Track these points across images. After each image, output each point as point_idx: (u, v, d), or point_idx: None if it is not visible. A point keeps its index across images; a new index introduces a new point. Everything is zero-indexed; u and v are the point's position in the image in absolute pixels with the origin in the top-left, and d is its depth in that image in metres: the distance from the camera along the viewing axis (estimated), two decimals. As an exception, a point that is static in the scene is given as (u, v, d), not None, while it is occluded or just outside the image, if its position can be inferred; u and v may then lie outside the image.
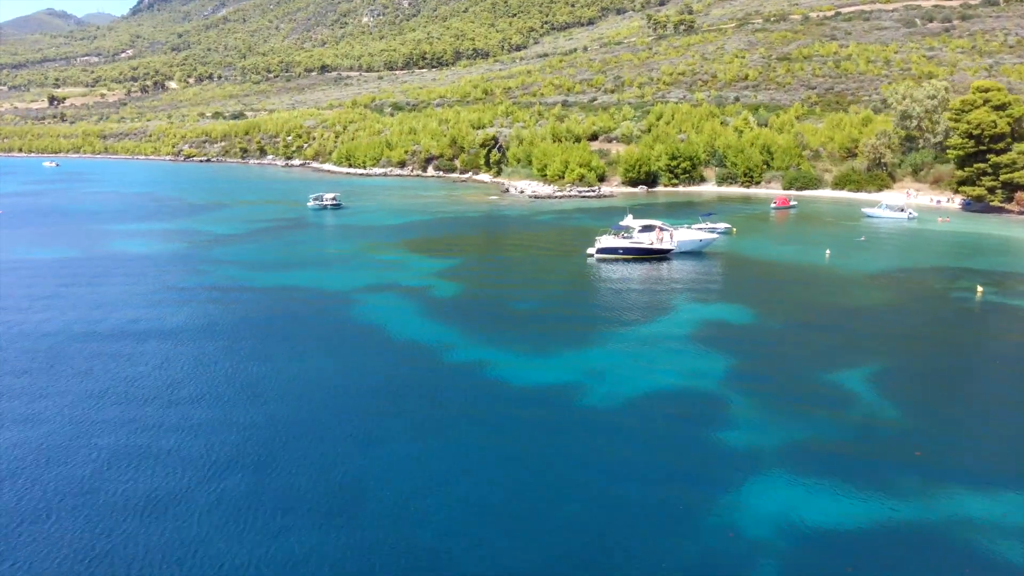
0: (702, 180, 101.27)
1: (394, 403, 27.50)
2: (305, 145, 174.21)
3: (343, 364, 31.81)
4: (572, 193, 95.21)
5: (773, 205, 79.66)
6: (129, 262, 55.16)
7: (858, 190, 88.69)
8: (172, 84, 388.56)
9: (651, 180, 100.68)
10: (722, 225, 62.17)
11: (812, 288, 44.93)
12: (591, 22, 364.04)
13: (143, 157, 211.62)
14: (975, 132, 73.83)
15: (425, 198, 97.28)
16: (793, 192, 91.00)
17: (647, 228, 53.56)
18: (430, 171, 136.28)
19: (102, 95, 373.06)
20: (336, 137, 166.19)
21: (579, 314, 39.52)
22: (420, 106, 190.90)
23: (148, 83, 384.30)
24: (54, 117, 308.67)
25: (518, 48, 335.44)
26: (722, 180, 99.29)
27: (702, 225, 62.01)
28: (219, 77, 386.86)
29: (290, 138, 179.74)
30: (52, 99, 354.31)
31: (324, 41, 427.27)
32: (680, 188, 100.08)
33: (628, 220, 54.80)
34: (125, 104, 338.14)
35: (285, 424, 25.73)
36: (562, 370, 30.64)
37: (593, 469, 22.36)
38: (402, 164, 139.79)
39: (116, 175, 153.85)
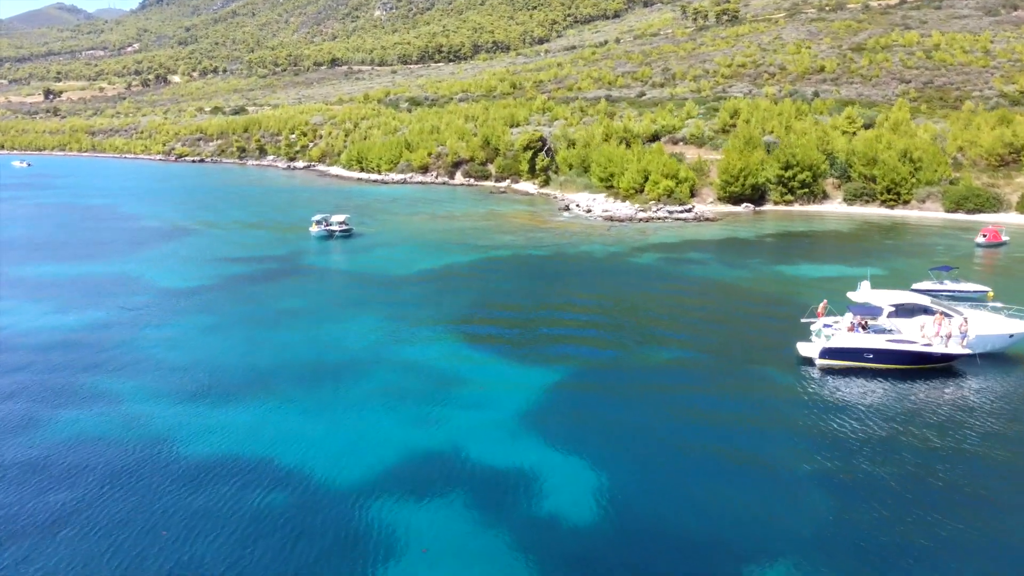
0: (824, 197, 76.96)
1: None
2: (311, 144, 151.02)
3: None
4: (660, 214, 70.90)
5: (981, 240, 54.35)
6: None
7: (1062, 215, 64.51)
8: (175, 78, 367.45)
9: (757, 196, 76.50)
10: (973, 286, 38.03)
11: None
12: (616, 15, 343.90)
13: (132, 156, 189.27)
14: None
15: (461, 219, 73.40)
16: (963, 216, 66.87)
17: (906, 309, 28.85)
18: (458, 178, 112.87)
19: (101, 89, 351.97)
20: (346, 136, 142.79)
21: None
22: (440, 101, 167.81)
23: (150, 77, 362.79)
24: (47, 112, 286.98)
25: (540, 41, 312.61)
26: (853, 197, 74.90)
27: (935, 284, 38.18)
28: (224, 71, 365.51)
29: (293, 136, 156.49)
30: (48, 93, 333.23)
31: (335, 35, 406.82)
32: (795, 207, 75.89)
33: (864, 290, 30.40)
34: (124, 99, 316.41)
35: None
36: None
37: None
38: (424, 169, 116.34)
39: (88, 178, 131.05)
